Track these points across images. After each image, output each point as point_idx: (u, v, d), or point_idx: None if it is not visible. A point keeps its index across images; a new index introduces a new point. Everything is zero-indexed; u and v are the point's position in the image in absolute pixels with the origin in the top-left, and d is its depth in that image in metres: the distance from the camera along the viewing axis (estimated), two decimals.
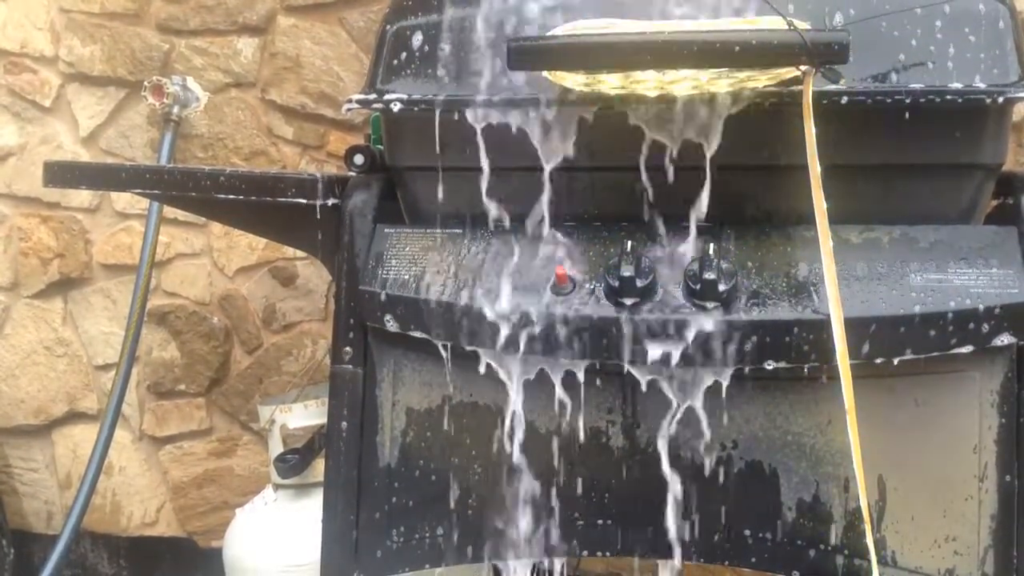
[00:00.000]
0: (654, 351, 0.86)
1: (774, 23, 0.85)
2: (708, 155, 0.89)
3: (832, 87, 0.87)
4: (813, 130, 0.83)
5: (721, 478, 0.93)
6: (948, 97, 0.86)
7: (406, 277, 0.95)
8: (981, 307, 0.85)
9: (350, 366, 0.99)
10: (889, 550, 0.91)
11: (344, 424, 0.99)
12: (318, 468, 1.51)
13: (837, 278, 0.83)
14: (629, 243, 0.89)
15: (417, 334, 0.94)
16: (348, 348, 0.99)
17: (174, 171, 1.07)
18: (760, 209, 0.94)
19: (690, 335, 0.85)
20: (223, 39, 1.89)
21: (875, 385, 0.87)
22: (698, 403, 0.89)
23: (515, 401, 0.94)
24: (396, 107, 0.95)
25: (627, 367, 0.88)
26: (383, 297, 0.96)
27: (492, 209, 0.96)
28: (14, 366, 2.07)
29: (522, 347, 0.90)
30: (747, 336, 0.85)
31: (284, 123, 1.88)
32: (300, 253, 1.85)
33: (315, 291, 1.92)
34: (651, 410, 0.92)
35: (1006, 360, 0.88)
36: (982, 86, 0.87)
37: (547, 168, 0.93)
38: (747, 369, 0.86)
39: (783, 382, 0.91)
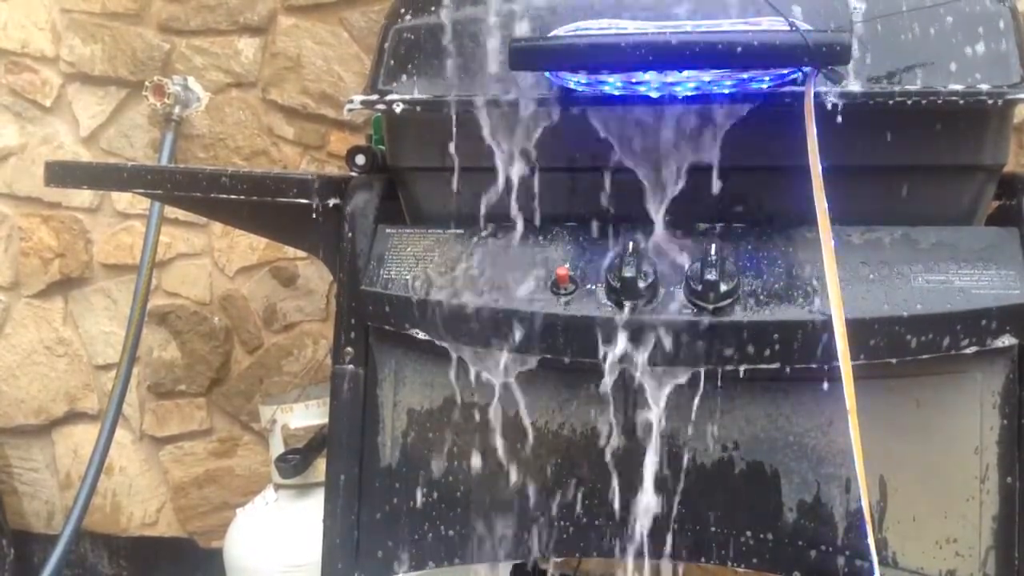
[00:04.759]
0: (655, 352, 0.86)
1: (776, 24, 0.85)
2: (710, 156, 0.89)
3: (833, 88, 0.87)
4: (815, 131, 0.83)
5: (722, 479, 0.93)
6: (949, 98, 0.86)
7: (407, 277, 0.95)
8: (982, 308, 0.85)
9: (351, 366, 0.99)
10: (890, 551, 0.91)
11: (345, 424, 0.99)
12: (319, 468, 1.51)
13: (839, 279, 0.83)
14: (630, 243, 0.89)
15: (418, 334, 0.94)
16: (349, 348, 0.99)
17: (175, 171, 1.07)
18: (762, 210, 0.94)
19: (691, 336, 0.85)
20: (224, 39, 1.89)
21: (876, 386, 0.87)
22: (699, 404, 0.89)
23: (513, 400, 0.95)
24: (398, 108, 0.95)
25: (628, 367, 0.88)
26: (384, 297, 0.96)
27: (493, 209, 0.96)
28: (14, 366, 2.07)
29: (523, 348, 0.90)
30: (748, 337, 0.85)
31: (285, 123, 1.88)
32: (301, 253, 1.84)
33: (316, 291, 1.92)
34: (651, 411, 0.92)
35: (1007, 361, 0.88)
36: (983, 87, 0.87)
37: (548, 168, 0.93)
38: (748, 369, 0.86)
39: (784, 383, 0.91)
